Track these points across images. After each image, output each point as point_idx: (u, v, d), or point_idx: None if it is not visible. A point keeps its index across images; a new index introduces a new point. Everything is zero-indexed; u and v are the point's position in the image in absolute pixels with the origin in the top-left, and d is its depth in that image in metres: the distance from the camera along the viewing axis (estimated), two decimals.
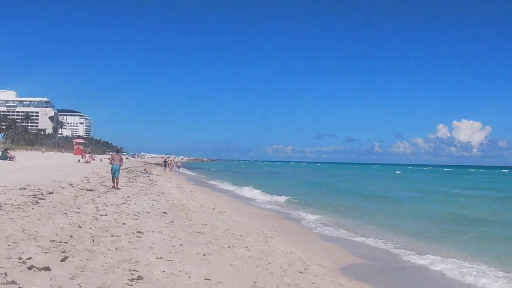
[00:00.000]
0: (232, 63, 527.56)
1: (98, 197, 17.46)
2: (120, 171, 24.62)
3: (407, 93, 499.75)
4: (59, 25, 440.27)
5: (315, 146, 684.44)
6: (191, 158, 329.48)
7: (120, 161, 24.37)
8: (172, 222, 13.53)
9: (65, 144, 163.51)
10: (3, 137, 50.67)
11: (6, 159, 41.62)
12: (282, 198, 31.79)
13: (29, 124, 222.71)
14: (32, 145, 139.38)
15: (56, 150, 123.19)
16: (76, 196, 16.69)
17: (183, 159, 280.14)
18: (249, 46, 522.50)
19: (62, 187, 19.52)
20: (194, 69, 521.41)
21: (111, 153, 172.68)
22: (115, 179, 23.30)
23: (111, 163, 24.10)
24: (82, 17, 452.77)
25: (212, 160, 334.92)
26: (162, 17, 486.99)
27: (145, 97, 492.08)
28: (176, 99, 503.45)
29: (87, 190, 19.68)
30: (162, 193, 24.18)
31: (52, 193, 16.80)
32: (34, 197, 14.86)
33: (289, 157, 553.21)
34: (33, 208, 12.40)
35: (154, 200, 19.36)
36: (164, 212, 15.49)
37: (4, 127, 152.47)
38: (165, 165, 73.50)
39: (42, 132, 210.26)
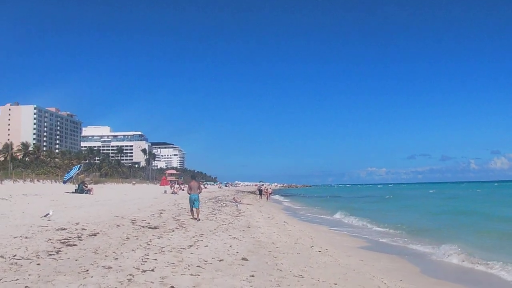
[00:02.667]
0: (323, 89, 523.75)
1: (159, 237, 13.31)
2: (200, 200, 21.30)
3: (502, 107, 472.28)
4: (149, 61, 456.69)
5: (409, 167, 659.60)
6: (285, 184, 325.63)
7: (199, 189, 21.17)
8: (253, 276, 9.11)
9: (159, 176, 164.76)
10: (78, 169, 48.72)
11: (82, 192, 39.24)
12: (392, 228, 25.66)
13: (123, 158, 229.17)
14: (126, 178, 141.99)
15: (148, 182, 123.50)
16: (127, 238, 12.63)
17: (276, 186, 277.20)
18: (339, 73, 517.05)
19: (118, 225, 15.64)
20: (285, 96, 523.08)
21: (202, 183, 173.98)
22: (195, 210, 20.83)
23: (188, 193, 21.09)
24: (170, 51, 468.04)
25: (307, 186, 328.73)
26: (252, 48, 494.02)
27: (237, 126, 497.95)
28: (268, 127, 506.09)
29: (149, 228, 15.66)
30: (248, 227, 19.86)
31: (95, 234, 12.89)
32: (62, 243, 11.02)
33: (384, 179, 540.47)
34: (38, 264, 8.44)
35: (234, 238, 15.06)
36: (243, 258, 11.10)
37: (98, 161, 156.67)
38: (260, 194, 69.44)
39: (136, 165, 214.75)
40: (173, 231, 15.32)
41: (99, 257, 9.56)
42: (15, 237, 11.55)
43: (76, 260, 9.05)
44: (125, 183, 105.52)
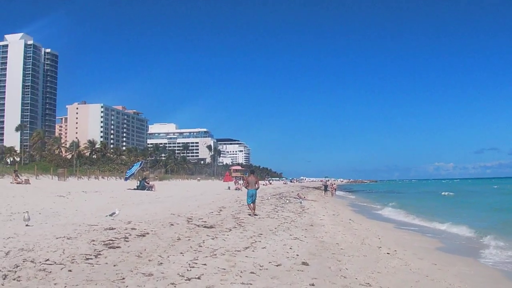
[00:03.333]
0: (390, 83, 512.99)
1: (214, 238, 12.46)
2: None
3: None
4: (215, 57, 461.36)
5: (477, 161, 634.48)
6: (351, 180, 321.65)
7: (256, 184, 20.89)
8: (313, 286, 8.11)
9: (224, 172, 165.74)
10: (140, 165, 48.82)
11: (144, 189, 39.10)
12: (467, 229, 22.14)
13: (189, 154, 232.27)
14: (191, 174, 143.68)
15: (213, 178, 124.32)
16: (179, 239, 11.81)
17: (342, 181, 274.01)
18: (406, 67, 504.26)
19: (172, 224, 14.89)
20: (351, 91, 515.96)
21: (267, 179, 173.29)
22: (252, 205, 20.66)
23: (246, 188, 20.87)
24: (235, 48, 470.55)
25: (373, 181, 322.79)
26: (319, 43, 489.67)
27: (302, 121, 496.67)
28: (334, 121, 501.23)
29: (205, 227, 14.85)
30: (311, 225, 18.84)
31: (144, 235, 12.12)
32: (105, 244, 10.30)
33: (451, 174, 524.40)
34: (70, 270, 7.67)
35: (296, 238, 14.06)
36: (303, 263, 10.08)
37: (164, 158, 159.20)
38: (325, 190, 68.15)
39: (202, 162, 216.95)
40: (230, 230, 14.46)
41: (141, 261, 8.76)
42: (57, 238, 10.92)
43: (114, 266, 8.27)
44: (191, 180, 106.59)
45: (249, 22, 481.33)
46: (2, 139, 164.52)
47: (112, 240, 10.97)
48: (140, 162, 56.69)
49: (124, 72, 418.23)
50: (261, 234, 14.16)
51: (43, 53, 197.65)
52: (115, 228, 13.01)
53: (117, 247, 10.10)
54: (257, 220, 18.67)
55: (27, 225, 12.60)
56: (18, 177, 36.58)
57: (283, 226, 17.13)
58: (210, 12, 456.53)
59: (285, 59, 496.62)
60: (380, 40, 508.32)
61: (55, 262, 8.31)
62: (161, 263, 8.74)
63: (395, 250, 14.31)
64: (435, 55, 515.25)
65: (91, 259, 8.73)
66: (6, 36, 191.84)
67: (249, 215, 20.23)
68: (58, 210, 18.32)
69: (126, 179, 48.35)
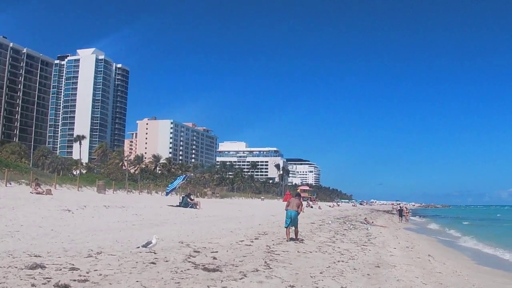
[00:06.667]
0: (463, 108, 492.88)
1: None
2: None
3: None
4: (287, 78, 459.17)
5: None
6: (423, 204, 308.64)
7: (299, 207, 17.48)
8: None
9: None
10: (183, 179, 44.23)
11: (187, 206, 34.55)
12: None
13: (258, 173, 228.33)
14: (259, 193, 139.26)
15: (279, 198, 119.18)
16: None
17: (414, 205, 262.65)
18: (481, 93, 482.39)
19: (154, 263, 9.66)
20: (424, 114, 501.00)
21: (335, 200, 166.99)
22: (292, 229, 17.60)
23: (285, 209, 17.60)
24: (305, 70, 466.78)
25: (445, 206, 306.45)
26: (384, 65, 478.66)
27: (375, 143, 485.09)
28: (405, 144, 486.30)
29: (205, 269, 9.34)
30: (377, 266, 13.08)
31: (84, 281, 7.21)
32: None
33: None
34: None
35: None
36: None
37: (231, 176, 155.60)
38: (400, 215, 56.72)
39: (271, 181, 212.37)
40: (244, 277, 9.15)
41: None
42: None
43: None
44: (255, 198, 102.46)
45: (318, 42, 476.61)
46: (71, 152, 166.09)
47: None
48: (184, 176, 52.30)
49: (195, 89, 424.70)
50: (292, 287, 8.83)
51: (114, 68, 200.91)
52: (45, 266, 8.07)
53: None
54: (299, 256, 13.30)
55: None
56: (39, 186, 32.92)
57: (335, 269, 11.57)
58: (286, 34, 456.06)
59: (354, 82, 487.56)
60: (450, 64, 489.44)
61: None
62: None
63: None
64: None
65: None
66: (78, 51, 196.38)
67: (287, 240, 17.02)
68: (33, 229, 13.91)
69: (167, 194, 44.20)
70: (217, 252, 12.28)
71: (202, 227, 20.49)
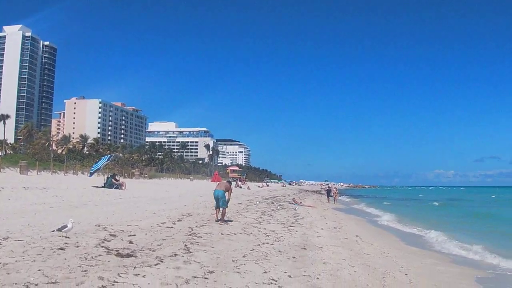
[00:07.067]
0: (391, 90, 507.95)
1: (113, 283, 6.60)
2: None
3: None
4: (216, 59, 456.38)
5: (478, 170, 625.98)
6: (351, 184, 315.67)
7: (228, 191, 17.34)
8: None
9: (222, 172, 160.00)
10: (108, 159, 42.71)
11: (111, 187, 33.31)
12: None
13: (188, 154, 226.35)
14: (188, 173, 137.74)
15: (208, 178, 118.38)
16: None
17: (342, 185, 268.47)
18: (408, 74, 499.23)
19: (63, 248, 8.93)
20: (353, 97, 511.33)
21: (265, 181, 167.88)
22: (219, 210, 17.09)
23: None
24: (236, 50, 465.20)
25: (373, 187, 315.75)
26: (314, 49, 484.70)
27: (304, 125, 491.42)
28: (334, 126, 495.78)
29: (118, 254, 8.64)
30: (303, 248, 12.68)
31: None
32: None
33: (451, 182, 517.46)
34: None
35: (271, 281, 8.12)
36: None
37: (161, 156, 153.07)
38: (328, 195, 55.46)
39: (200, 161, 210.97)
40: (161, 262, 8.42)
41: None
42: None
43: None
44: (184, 179, 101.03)
45: (253, 24, 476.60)
46: None
47: None
48: (109, 156, 50.54)
49: (124, 69, 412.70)
50: (212, 272, 8.18)
51: (41, 45, 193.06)
52: None
53: None
54: (223, 238, 12.66)
55: None
56: None
57: (259, 252, 11.05)
58: (213, 11, 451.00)
59: (289, 63, 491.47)
60: (380, 45, 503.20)
61: None
62: None
63: None
64: (438, 63, 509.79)
65: None
66: (4, 27, 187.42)
67: (217, 221, 16.74)
68: None
69: (90, 174, 42.48)
70: (135, 235, 11.51)
71: (124, 208, 19.58)
